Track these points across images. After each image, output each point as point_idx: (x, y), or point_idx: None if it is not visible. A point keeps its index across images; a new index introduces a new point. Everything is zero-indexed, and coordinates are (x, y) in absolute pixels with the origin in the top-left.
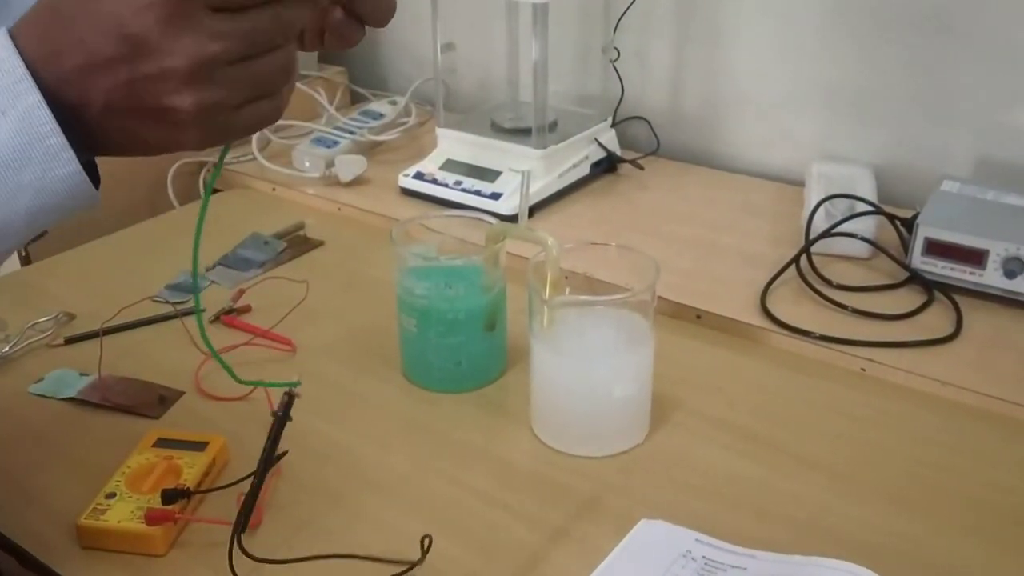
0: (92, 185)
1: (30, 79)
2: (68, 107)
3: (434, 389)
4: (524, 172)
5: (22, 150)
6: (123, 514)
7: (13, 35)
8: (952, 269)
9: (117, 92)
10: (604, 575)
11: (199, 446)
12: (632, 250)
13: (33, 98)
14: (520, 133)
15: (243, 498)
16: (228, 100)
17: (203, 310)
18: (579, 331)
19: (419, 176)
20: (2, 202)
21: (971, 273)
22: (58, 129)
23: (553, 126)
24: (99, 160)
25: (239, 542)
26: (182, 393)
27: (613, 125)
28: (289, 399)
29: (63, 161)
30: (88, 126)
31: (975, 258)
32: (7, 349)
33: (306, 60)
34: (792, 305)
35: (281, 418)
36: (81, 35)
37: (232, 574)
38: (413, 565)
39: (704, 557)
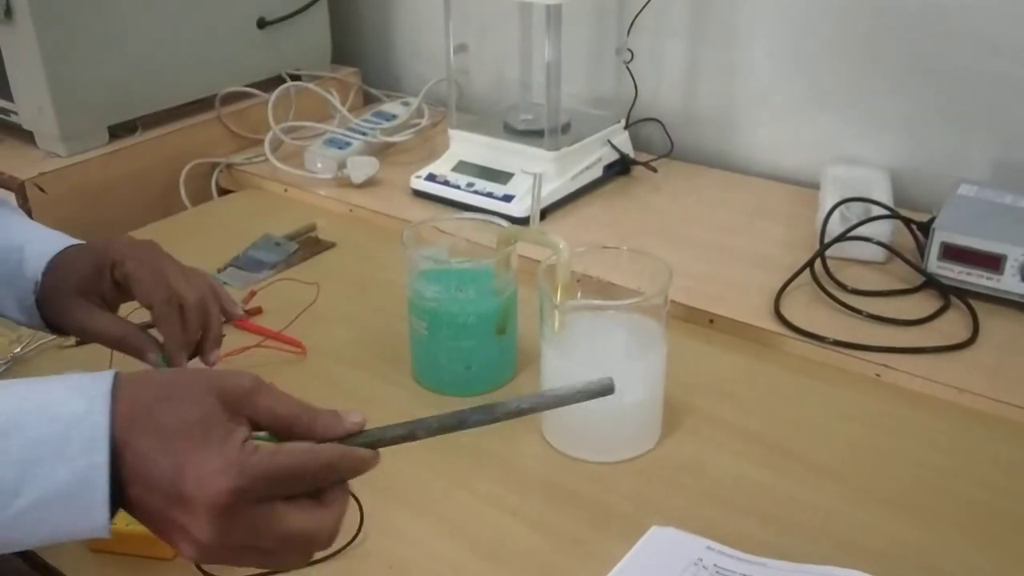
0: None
1: (106, 439)
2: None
3: (444, 393)
4: (536, 175)
5: (70, 497)
6: (132, 517)
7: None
8: (969, 274)
9: (146, 515)
10: None
11: None
12: (644, 254)
13: (101, 458)
14: (533, 135)
15: None
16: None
17: None
18: (590, 335)
19: (431, 178)
20: (27, 529)
21: (988, 278)
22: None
23: (566, 128)
24: (111, 162)
25: None
26: None
27: (626, 127)
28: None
29: (100, 518)
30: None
31: (992, 263)
32: (19, 350)
33: (319, 61)
34: (806, 310)
35: None
36: (153, 457)
37: None
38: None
39: (715, 565)
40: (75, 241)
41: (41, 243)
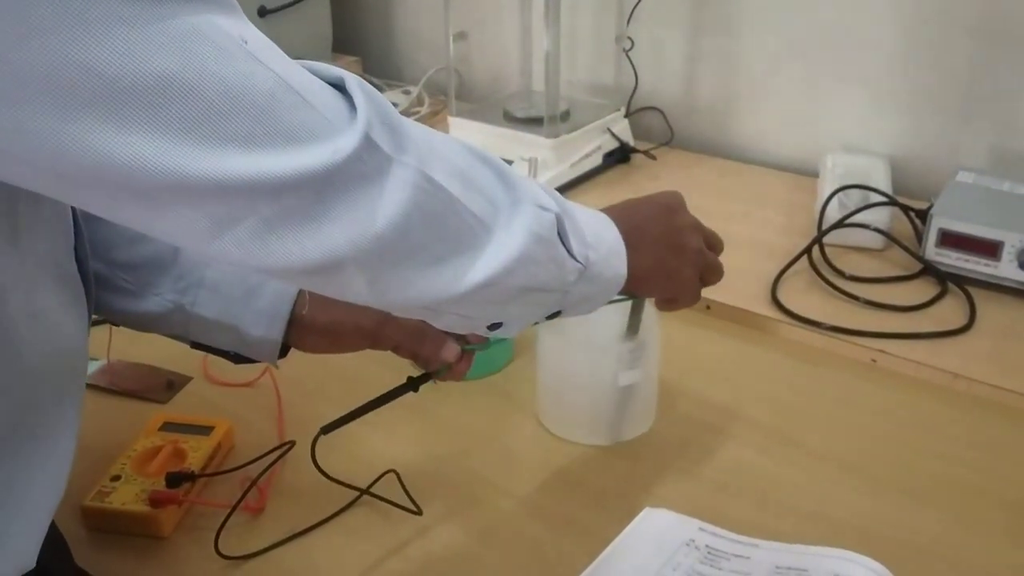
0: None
1: (613, 224)
2: (631, 244)
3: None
4: (531, 160)
5: (603, 261)
6: (128, 496)
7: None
8: (966, 260)
9: (663, 232)
10: (606, 563)
11: (205, 430)
12: None
13: (614, 230)
14: (532, 122)
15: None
16: (706, 257)
17: None
18: (585, 318)
19: None
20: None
21: (985, 265)
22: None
23: (565, 115)
24: None
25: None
26: (190, 378)
27: (627, 115)
28: (426, 377)
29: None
30: (641, 257)
31: (990, 249)
32: None
33: (320, 50)
34: (803, 296)
35: (408, 384)
36: (639, 208)
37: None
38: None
39: (707, 546)
40: None
41: None
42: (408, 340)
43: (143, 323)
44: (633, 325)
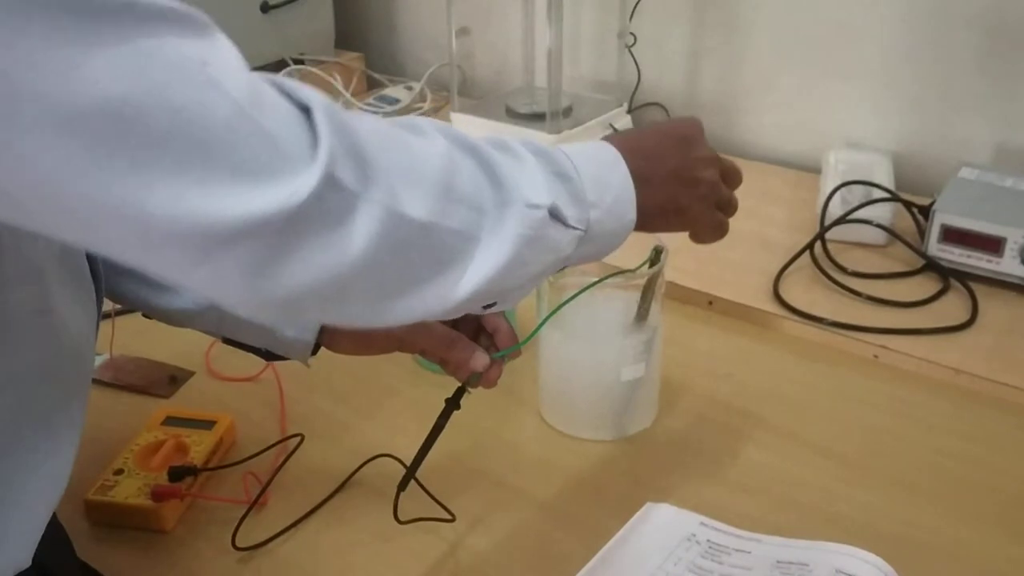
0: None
1: (622, 161)
2: (641, 179)
3: (443, 372)
4: None
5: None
6: (130, 490)
7: (609, 138)
8: (969, 256)
9: (676, 165)
10: (608, 558)
11: (207, 425)
12: (641, 233)
13: (622, 169)
14: (535, 118)
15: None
16: (720, 190)
17: None
18: (587, 313)
19: None
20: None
21: (988, 261)
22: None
23: (568, 111)
24: None
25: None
26: (192, 373)
27: (629, 111)
28: (462, 391)
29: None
30: (650, 192)
31: (992, 245)
32: None
33: (323, 45)
34: (805, 292)
35: (448, 405)
36: (654, 137)
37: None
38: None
39: (709, 541)
40: None
41: None
42: (437, 346)
43: (177, 319)
44: (643, 311)
